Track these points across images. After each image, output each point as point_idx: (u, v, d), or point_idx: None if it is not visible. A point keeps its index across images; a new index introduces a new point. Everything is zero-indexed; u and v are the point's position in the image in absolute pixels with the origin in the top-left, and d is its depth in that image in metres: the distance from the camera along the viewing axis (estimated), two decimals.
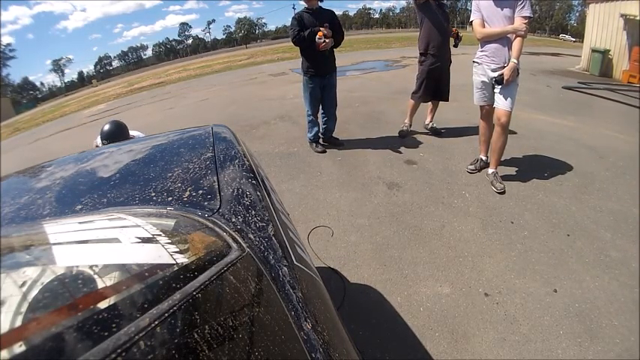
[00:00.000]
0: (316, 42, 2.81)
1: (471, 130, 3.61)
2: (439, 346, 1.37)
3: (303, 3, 3.00)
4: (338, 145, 3.45)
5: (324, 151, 3.34)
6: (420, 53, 3.30)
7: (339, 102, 3.33)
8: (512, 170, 2.76)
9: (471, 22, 2.47)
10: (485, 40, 2.40)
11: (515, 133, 3.52)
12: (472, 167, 2.77)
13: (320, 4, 2.96)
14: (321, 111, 3.32)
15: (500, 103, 2.37)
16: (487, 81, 2.44)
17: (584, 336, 1.38)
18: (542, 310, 1.51)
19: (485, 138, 2.69)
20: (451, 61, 3.36)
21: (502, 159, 2.72)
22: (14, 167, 1.26)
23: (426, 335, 1.42)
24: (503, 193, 2.45)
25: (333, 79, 3.13)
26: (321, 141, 3.49)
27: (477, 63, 2.50)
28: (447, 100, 3.49)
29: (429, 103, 3.58)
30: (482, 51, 2.45)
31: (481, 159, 2.77)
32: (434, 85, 3.33)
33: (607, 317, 1.46)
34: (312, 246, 1.97)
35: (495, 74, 2.33)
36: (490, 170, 2.58)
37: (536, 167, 2.78)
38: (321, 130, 3.44)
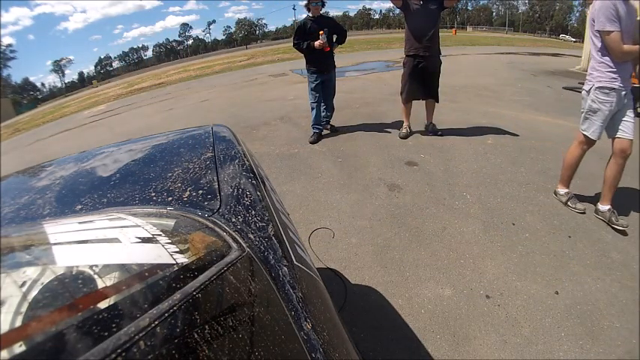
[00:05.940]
0: (321, 41, 3.25)
1: (472, 131, 3.61)
2: (440, 349, 1.37)
3: (302, 3, 3.40)
4: (333, 130, 3.96)
5: (315, 142, 3.68)
6: (405, 54, 3.35)
7: (339, 103, 3.79)
8: (512, 171, 2.76)
9: (600, 31, 1.92)
10: (622, 61, 1.93)
11: (517, 135, 3.52)
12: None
13: (321, 12, 3.42)
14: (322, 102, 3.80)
15: (629, 133, 2.02)
16: (615, 109, 2.04)
17: (585, 338, 1.38)
18: (544, 312, 1.51)
19: (572, 171, 2.32)
20: (441, 62, 3.35)
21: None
22: (14, 168, 1.26)
23: (427, 337, 1.42)
24: (625, 232, 2.02)
25: (332, 75, 3.64)
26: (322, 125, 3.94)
27: (611, 89, 1.98)
28: (436, 101, 3.49)
29: (425, 104, 3.58)
30: (614, 72, 1.95)
31: (572, 195, 2.33)
32: (417, 85, 3.34)
33: (608, 319, 1.46)
34: (313, 248, 1.96)
35: (631, 101, 2.01)
36: (606, 207, 2.11)
37: (538, 168, 2.78)
38: (321, 118, 3.91)
